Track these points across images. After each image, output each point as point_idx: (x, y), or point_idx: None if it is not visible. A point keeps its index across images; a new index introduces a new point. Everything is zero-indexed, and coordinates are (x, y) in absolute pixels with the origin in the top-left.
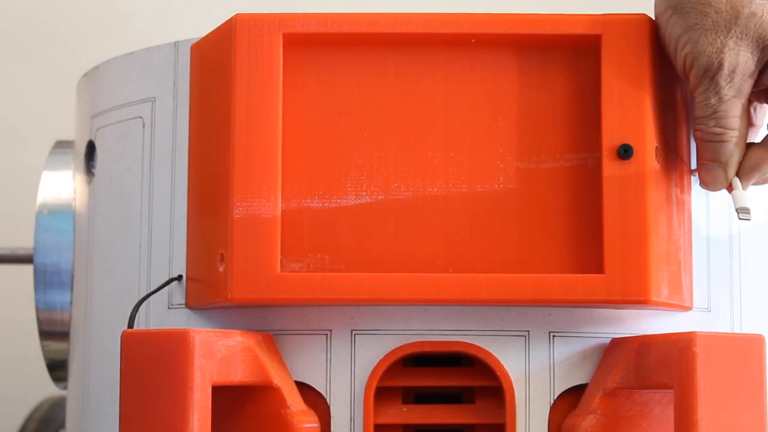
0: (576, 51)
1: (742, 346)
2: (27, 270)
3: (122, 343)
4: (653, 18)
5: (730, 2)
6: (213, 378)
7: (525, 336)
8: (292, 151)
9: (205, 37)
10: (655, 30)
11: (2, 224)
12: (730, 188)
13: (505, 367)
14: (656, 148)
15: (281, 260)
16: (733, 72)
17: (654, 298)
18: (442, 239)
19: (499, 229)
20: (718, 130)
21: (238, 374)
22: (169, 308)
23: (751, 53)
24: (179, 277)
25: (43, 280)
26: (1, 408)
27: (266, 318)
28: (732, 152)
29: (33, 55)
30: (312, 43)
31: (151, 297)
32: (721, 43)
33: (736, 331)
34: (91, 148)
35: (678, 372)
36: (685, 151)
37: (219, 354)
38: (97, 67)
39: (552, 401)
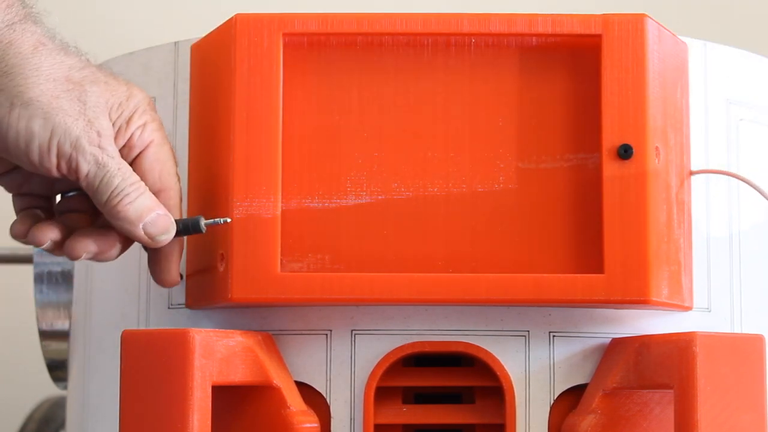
0: (576, 51)
1: (742, 346)
2: (27, 270)
3: (122, 343)
4: (653, 18)
5: None
6: (213, 378)
7: (525, 336)
8: (292, 151)
9: (205, 37)
10: (656, 30)
11: (2, 224)
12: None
13: (505, 367)
14: (656, 148)
15: (281, 260)
16: None
17: (654, 298)
18: (442, 239)
19: (499, 229)
20: None
21: (238, 374)
22: (169, 308)
23: None
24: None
25: (43, 280)
26: (1, 408)
27: (266, 318)
28: None
29: None
30: (312, 43)
31: (151, 297)
32: None
33: (736, 331)
34: None
35: (678, 372)
36: (685, 151)
37: (219, 354)
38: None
39: (552, 401)
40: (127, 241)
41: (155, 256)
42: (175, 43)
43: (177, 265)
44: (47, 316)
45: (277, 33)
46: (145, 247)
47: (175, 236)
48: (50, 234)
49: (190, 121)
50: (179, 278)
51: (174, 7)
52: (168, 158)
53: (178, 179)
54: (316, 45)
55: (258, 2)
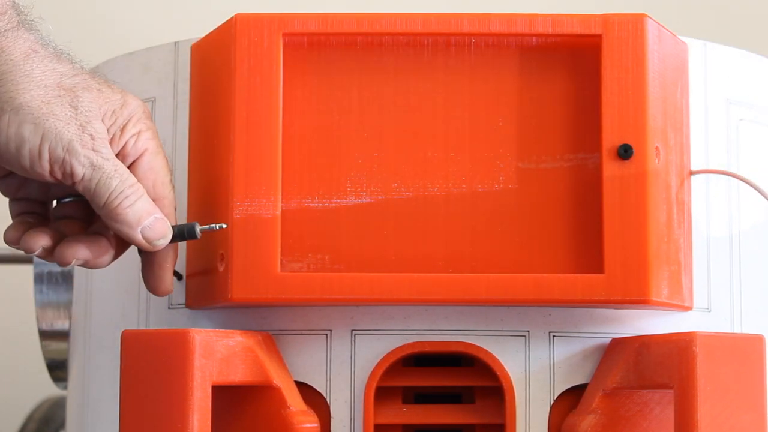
0: (576, 51)
1: (742, 346)
2: (27, 270)
3: (122, 343)
4: (653, 18)
5: None
6: (213, 378)
7: (525, 336)
8: (292, 151)
9: (205, 37)
10: (656, 30)
11: (2, 225)
12: None
13: (505, 367)
14: (656, 148)
15: (281, 260)
16: None
17: (654, 298)
18: (442, 239)
19: (499, 229)
20: None
21: (238, 374)
22: (169, 308)
23: None
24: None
25: (43, 280)
26: (1, 408)
27: (266, 318)
28: None
29: None
30: (312, 43)
31: (151, 297)
32: None
33: (736, 331)
34: None
35: (678, 372)
36: (685, 151)
37: (219, 354)
38: (97, 67)
39: (552, 401)
40: (120, 247)
41: (149, 262)
42: (175, 43)
43: (170, 273)
44: (47, 316)
45: (277, 33)
46: (140, 254)
47: (170, 242)
48: (41, 241)
49: (190, 121)
50: (172, 287)
51: (174, 7)
52: (162, 167)
53: (173, 188)
54: (316, 45)
55: (258, 2)
